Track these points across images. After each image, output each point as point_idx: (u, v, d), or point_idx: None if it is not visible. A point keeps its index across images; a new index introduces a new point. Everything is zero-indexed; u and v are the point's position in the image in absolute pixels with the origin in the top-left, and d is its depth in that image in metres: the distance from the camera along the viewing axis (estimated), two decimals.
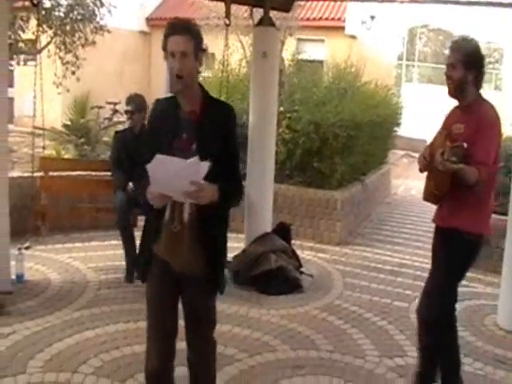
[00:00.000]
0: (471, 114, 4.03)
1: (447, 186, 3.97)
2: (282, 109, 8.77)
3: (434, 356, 4.37)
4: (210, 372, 3.54)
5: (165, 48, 3.14)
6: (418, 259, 7.82)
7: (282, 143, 8.66)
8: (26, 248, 6.66)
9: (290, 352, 5.05)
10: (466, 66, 4.01)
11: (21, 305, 5.63)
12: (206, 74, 12.53)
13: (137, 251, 3.60)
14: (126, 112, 6.61)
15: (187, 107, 3.23)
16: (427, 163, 4.14)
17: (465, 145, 3.74)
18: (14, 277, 6.09)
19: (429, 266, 7.63)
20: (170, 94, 3.31)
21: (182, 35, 3.09)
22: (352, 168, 9.34)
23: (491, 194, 4.19)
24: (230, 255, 6.87)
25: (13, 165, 9.15)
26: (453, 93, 4.13)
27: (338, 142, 8.70)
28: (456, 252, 4.15)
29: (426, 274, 7.08)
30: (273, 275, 6.48)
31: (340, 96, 10.18)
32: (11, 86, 15.46)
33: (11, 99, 16.60)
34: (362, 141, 9.67)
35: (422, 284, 6.79)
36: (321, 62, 17.00)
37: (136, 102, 6.53)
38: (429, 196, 4.22)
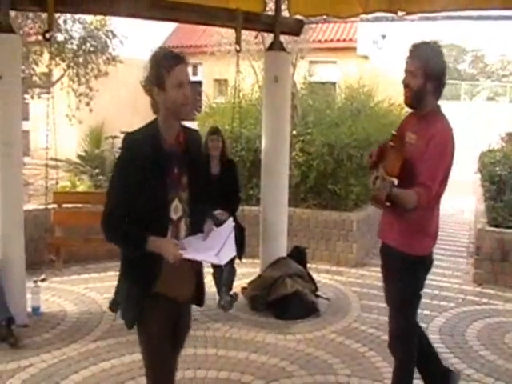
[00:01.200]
0: (426, 125, 3.75)
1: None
2: (294, 132, 8.77)
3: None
4: None
5: (162, 79, 3.00)
6: (436, 278, 7.61)
7: (295, 166, 8.65)
8: (42, 280, 6.66)
9: (308, 377, 4.98)
10: (426, 75, 3.69)
11: (37, 337, 5.62)
12: (219, 100, 12.62)
13: None
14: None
15: (170, 138, 3.14)
16: (373, 162, 3.89)
17: (395, 182, 3.49)
18: (29, 309, 6.10)
19: (447, 285, 7.58)
20: (140, 128, 3.19)
21: (186, 64, 3.05)
22: (367, 188, 9.24)
23: (434, 215, 3.89)
24: (246, 281, 6.87)
25: (29, 197, 9.20)
26: (409, 102, 3.82)
27: (353, 162, 8.68)
28: (397, 271, 3.92)
29: (444, 293, 7.09)
30: (289, 300, 6.42)
31: (353, 116, 10.15)
32: (26, 119, 15.68)
33: (27, 132, 16.80)
34: None
35: (441, 303, 6.81)
36: (333, 84, 16.99)
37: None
38: (372, 199, 3.79)
